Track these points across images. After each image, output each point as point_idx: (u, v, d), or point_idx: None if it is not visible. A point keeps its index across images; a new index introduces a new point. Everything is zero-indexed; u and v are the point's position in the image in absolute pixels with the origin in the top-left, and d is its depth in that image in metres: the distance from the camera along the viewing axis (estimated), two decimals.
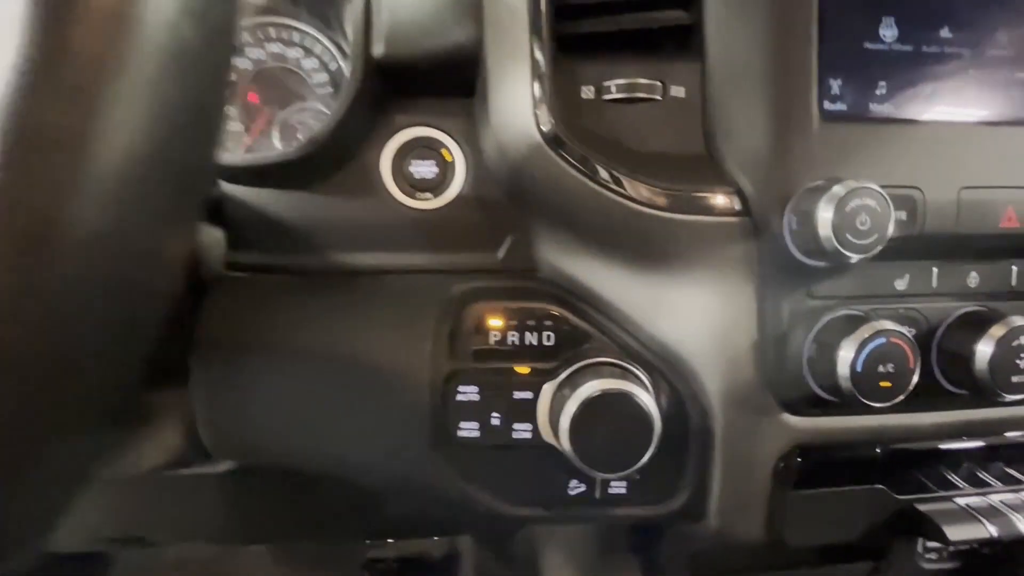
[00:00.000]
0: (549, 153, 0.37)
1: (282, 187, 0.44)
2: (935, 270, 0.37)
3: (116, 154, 0.18)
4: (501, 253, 0.45)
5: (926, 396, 0.37)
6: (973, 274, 0.38)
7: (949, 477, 0.40)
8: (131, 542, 0.61)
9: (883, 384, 0.33)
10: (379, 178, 0.45)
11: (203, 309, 0.42)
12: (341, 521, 0.64)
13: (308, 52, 0.53)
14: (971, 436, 0.40)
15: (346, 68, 0.48)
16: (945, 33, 0.37)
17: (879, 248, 0.31)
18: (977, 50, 0.37)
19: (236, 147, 0.53)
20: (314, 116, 0.53)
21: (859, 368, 0.33)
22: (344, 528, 0.65)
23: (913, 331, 0.37)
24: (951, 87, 0.37)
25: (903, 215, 0.35)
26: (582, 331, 0.41)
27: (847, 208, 0.31)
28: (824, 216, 0.31)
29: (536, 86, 0.37)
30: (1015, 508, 0.39)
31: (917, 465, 0.40)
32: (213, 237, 0.49)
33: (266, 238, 0.45)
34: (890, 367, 0.33)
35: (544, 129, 0.37)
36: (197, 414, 0.41)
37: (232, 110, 0.53)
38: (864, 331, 0.33)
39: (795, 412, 0.38)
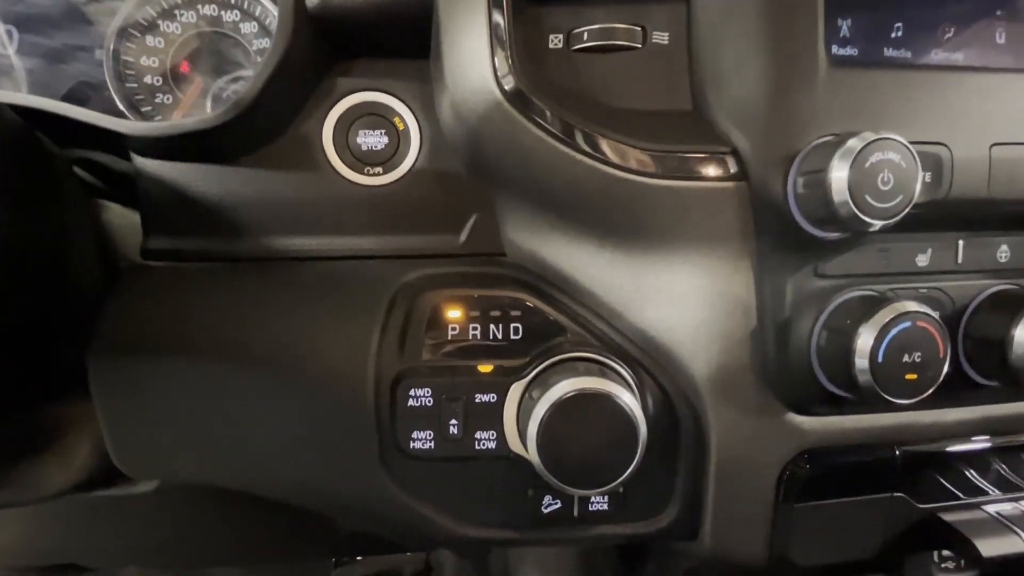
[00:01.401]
0: (511, 112, 0.31)
1: (204, 160, 0.38)
2: (961, 243, 0.32)
3: None
4: (463, 235, 0.40)
5: (951, 389, 0.32)
6: (1004, 247, 0.33)
7: (977, 482, 0.35)
8: (61, 570, 0.54)
9: (908, 377, 0.28)
10: (320, 150, 0.39)
11: (107, 303, 0.35)
12: (303, 539, 0.57)
13: (246, 14, 0.46)
14: (1003, 434, 0.35)
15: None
16: None
17: (905, 212, 0.26)
18: None
19: (167, 118, 0.47)
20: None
21: (880, 358, 0.27)
22: (307, 546, 0.59)
23: (937, 313, 0.32)
24: (979, 29, 0.32)
25: (927, 176, 0.29)
26: (555, 322, 0.35)
27: (866, 164, 0.26)
28: (838, 175, 0.26)
29: (495, 36, 0.31)
30: None
31: (941, 469, 0.35)
32: (127, 220, 0.43)
33: (186, 220, 0.38)
34: (917, 356, 0.28)
35: (505, 85, 0.31)
36: (102, 426, 0.35)
37: (160, 80, 0.46)
38: (885, 314, 0.28)
39: (802, 412, 0.33)
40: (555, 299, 0.36)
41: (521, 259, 0.38)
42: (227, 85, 0.48)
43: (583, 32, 0.33)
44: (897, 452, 0.34)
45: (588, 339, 0.35)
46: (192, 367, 0.35)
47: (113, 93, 0.43)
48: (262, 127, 0.37)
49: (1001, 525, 0.33)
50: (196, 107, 0.47)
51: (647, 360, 0.34)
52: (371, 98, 0.39)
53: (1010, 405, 0.34)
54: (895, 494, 0.34)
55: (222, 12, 0.46)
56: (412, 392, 0.33)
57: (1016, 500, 0.35)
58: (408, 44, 0.37)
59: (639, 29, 0.32)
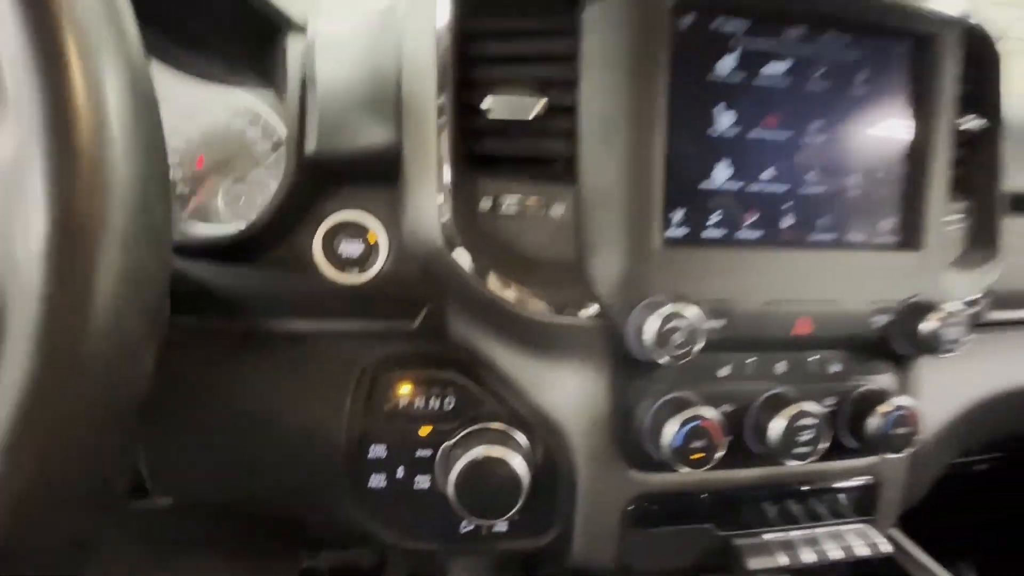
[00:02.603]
0: (449, 258, 0.45)
1: (220, 263, 0.50)
2: (749, 361, 0.48)
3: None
4: (417, 322, 0.53)
5: (740, 456, 0.48)
6: (781, 363, 0.49)
7: (762, 517, 0.51)
8: None
9: (695, 456, 0.43)
10: (310, 256, 0.51)
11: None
12: (278, 536, 0.71)
13: (253, 122, 0.59)
14: (771, 487, 0.51)
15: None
16: (767, 175, 0.47)
17: (691, 356, 0.41)
18: (791, 190, 0.47)
19: (181, 210, 0.59)
20: (258, 185, 0.59)
21: (677, 444, 0.43)
22: (281, 541, 0.72)
23: (732, 407, 0.47)
24: (770, 216, 0.47)
25: (722, 322, 0.44)
26: (478, 397, 0.49)
27: (667, 326, 0.40)
28: (650, 328, 0.41)
29: (441, 199, 0.44)
30: (806, 542, 0.50)
31: (735, 508, 0.51)
32: None
33: (206, 305, 0.51)
34: (702, 443, 0.43)
35: (446, 238, 0.44)
36: (143, 459, 0.48)
37: (179, 173, 0.58)
38: (682, 415, 0.43)
39: (639, 469, 0.48)
40: (482, 378, 0.50)
41: (461, 343, 0.52)
42: (235, 183, 0.60)
43: (504, 202, 0.46)
44: (703, 496, 0.50)
45: (502, 411, 0.49)
46: (214, 419, 0.48)
47: None
48: (268, 240, 0.50)
49: (767, 548, 0.49)
50: (208, 201, 0.59)
51: (541, 429, 0.49)
52: (352, 217, 0.52)
53: (776, 467, 0.50)
54: (703, 525, 0.50)
55: (232, 118, 0.58)
56: (372, 447, 0.47)
57: (786, 530, 0.52)
58: (380, 177, 0.49)
59: (544, 203, 0.46)
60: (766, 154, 0.46)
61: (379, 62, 0.48)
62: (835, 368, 0.50)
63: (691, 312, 0.41)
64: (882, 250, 0.49)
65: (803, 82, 0.46)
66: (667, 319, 0.40)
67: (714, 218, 0.46)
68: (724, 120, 0.45)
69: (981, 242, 0.58)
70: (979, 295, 0.55)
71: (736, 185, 0.46)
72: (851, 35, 0.47)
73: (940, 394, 0.61)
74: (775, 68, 0.46)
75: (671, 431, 0.43)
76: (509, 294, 0.44)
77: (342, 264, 0.53)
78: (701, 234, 0.46)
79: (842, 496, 0.54)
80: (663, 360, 0.41)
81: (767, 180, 0.47)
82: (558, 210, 0.46)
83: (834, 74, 0.47)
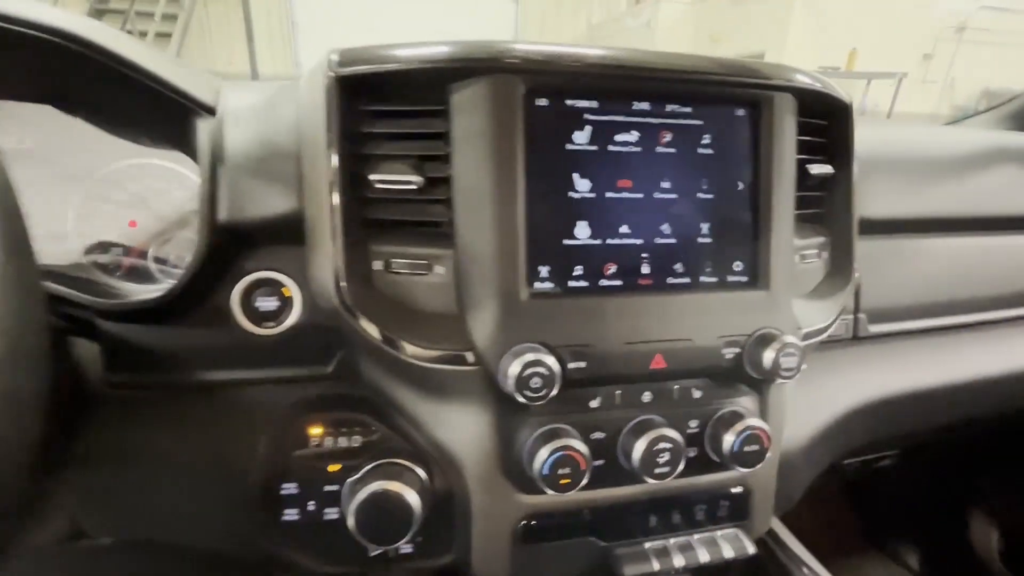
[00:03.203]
0: (345, 315, 0.51)
1: (146, 324, 0.56)
2: (618, 392, 0.54)
3: None
4: (331, 367, 0.59)
5: (612, 476, 0.54)
6: (647, 393, 0.55)
7: (641, 527, 0.58)
8: None
9: (563, 481, 0.49)
10: (230, 312, 0.57)
11: (86, 421, 0.53)
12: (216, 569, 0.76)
13: (181, 185, 0.64)
14: (646, 502, 0.58)
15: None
16: (624, 230, 0.53)
17: (550, 398, 0.47)
18: (646, 242, 0.54)
19: (117, 269, 0.64)
20: (187, 244, 0.64)
21: (545, 471, 0.49)
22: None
23: (603, 434, 0.54)
24: (627, 269, 0.53)
25: (583, 364, 0.51)
26: (383, 435, 0.55)
27: (526, 372, 0.47)
28: (511, 374, 0.47)
29: (338, 263, 0.50)
30: (680, 548, 0.57)
31: (623, 521, 0.58)
32: (90, 352, 0.60)
33: (136, 361, 0.56)
34: (567, 470, 0.49)
35: (342, 299, 0.50)
36: (81, 503, 0.53)
37: (115, 235, 0.64)
38: (550, 446, 0.49)
39: (525, 492, 0.54)
40: (388, 416, 0.56)
41: (371, 384, 0.58)
42: (165, 243, 0.65)
43: (393, 262, 0.52)
44: (585, 513, 0.56)
45: (405, 446, 0.55)
46: (143, 463, 0.53)
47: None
48: (188, 302, 0.55)
49: (647, 554, 0.56)
50: (141, 260, 0.64)
51: (440, 461, 0.55)
52: (267, 275, 0.57)
53: (638, 486, 0.56)
54: (587, 538, 0.57)
55: (160, 183, 0.64)
56: (284, 485, 0.53)
57: (665, 538, 0.58)
58: (292, 240, 0.55)
59: (428, 264, 0.52)
60: (622, 212, 0.53)
61: (282, 136, 0.54)
62: (697, 395, 0.56)
63: (549, 359, 0.47)
64: (733, 290, 0.56)
65: (652, 147, 0.53)
66: (527, 366, 0.47)
67: (578, 271, 0.52)
68: (583, 184, 0.52)
69: (837, 272, 0.65)
70: (832, 320, 0.62)
71: (596, 240, 0.52)
72: (692, 105, 0.53)
73: (809, 407, 0.69)
74: (626, 136, 0.52)
75: (541, 459, 0.49)
76: (399, 347, 0.50)
77: (259, 318, 0.58)
78: (567, 285, 0.52)
79: (718, 504, 0.61)
80: (523, 401, 0.47)
81: (624, 235, 0.53)
82: (440, 270, 0.52)
83: (680, 138, 0.54)
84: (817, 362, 0.73)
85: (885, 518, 1.18)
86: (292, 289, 0.58)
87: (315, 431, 0.55)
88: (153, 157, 0.64)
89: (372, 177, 0.51)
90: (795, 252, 0.62)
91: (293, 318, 0.58)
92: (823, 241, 0.65)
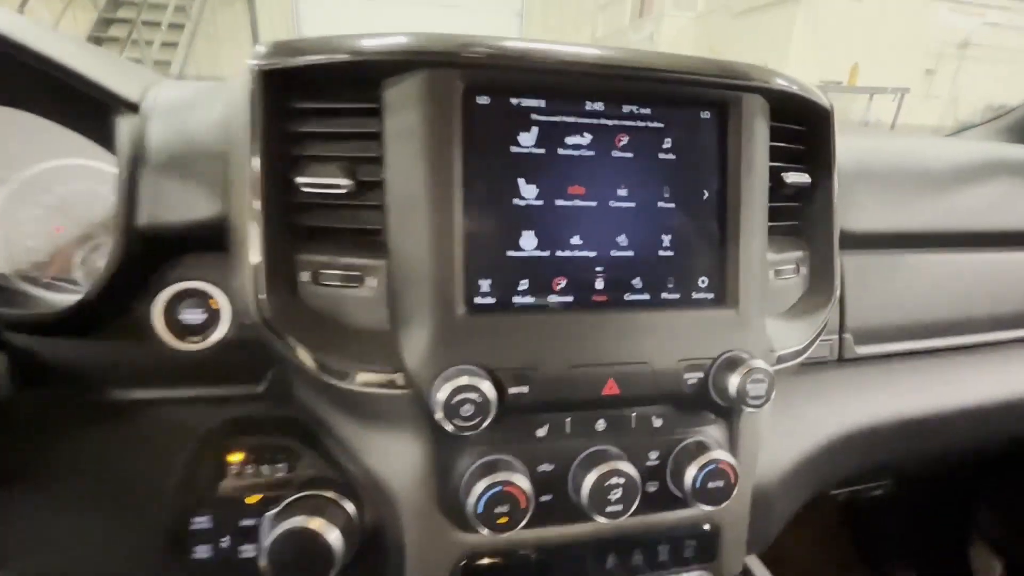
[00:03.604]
0: (265, 331, 0.46)
1: (58, 336, 0.51)
2: (568, 420, 0.49)
3: None
4: (262, 385, 0.54)
5: (563, 512, 0.49)
6: (600, 421, 0.50)
7: (605, 568, 0.53)
8: None
9: (500, 520, 0.44)
10: (151, 326, 0.52)
11: None
12: None
13: (111, 188, 0.60)
14: (601, 541, 0.52)
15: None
16: (576, 241, 0.48)
17: (483, 427, 0.42)
18: (600, 255, 0.49)
19: (42, 276, 0.59)
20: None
21: (480, 509, 0.44)
22: None
23: (552, 466, 0.49)
24: (578, 284, 0.49)
25: (526, 388, 0.46)
26: (311, 463, 0.50)
27: (456, 398, 0.42)
28: (440, 400, 0.42)
29: (259, 273, 0.46)
30: None
31: (578, 561, 0.52)
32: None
33: (44, 377, 0.51)
34: (505, 507, 0.44)
35: (262, 312, 0.46)
36: None
37: (39, 240, 0.59)
38: (487, 480, 0.44)
39: (465, 529, 0.49)
40: (319, 442, 0.51)
41: (303, 404, 0.53)
42: (92, 249, 0.61)
43: (322, 273, 0.48)
44: (532, 552, 0.51)
45: (336, 477, 0.50)
46: (48, 488, 0.48)
47: None
48: (105, 312, 0.51)
49: None
50: (63, 269, 0.60)
51: (373, 492, 0.50)
52: (193, 285, 0.53)
53: (587, 524, 0.50)
54: None
55: (88, 186, 0.59)
56: (196, 518, 0.48)
57: None
58: (221, 246, 0.51)
59: (358, 275, 0.48)
60: (573, 221, 0.48)
61: (208, 135, 0.50)
62: (657, 423, 0.51)
63: (484, 384, 0.42)
64: (697, 308, 0.51)
65: (608, 150, 0.49)
66: (457, 391, 0.42)
67: (523, 285, 0.48)
68: (529, 190, 0.47)
69: (817, 289, 0.60)
70: (810, 340, 0.57)
71: (544, 252, 0.48)
72: (651, 106, 0.49)
73: (788, 435, 0.63)
74: (578, 139, 0.48)
75: (476, 495, 0.44)
76: (323, 367, 0.45)
77: (183, 331, 0.54)
78: (511, 301, 0.47)
79: (683, 544, 0.55)
80: (451, 430, 0.42)
81: (576, 246, 0.48)
82: (372, 282, 0.47)
83: (638, 142, 0.49)
84: (798, 386, 0.67)
85: (884, 550, 1.11)
86: (220, 300, 0.53)
87: (235, 457, 0.50)
88: (80, 158, 0.60)
89: (299, 180, 0.46)
90: (769, 267, 0.57)
91: (220, 332, 0.53)
92: (801, 255, 0.60)
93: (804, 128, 0.58)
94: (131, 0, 6.32)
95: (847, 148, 0.69)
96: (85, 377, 0.52)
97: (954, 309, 0.74)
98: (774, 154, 0.55)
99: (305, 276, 0.48)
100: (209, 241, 0.51)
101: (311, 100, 0.47)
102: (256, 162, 0.44)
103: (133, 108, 0.51)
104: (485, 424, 0.42)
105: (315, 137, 0.47)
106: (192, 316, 0.54)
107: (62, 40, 0.50)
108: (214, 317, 0.54)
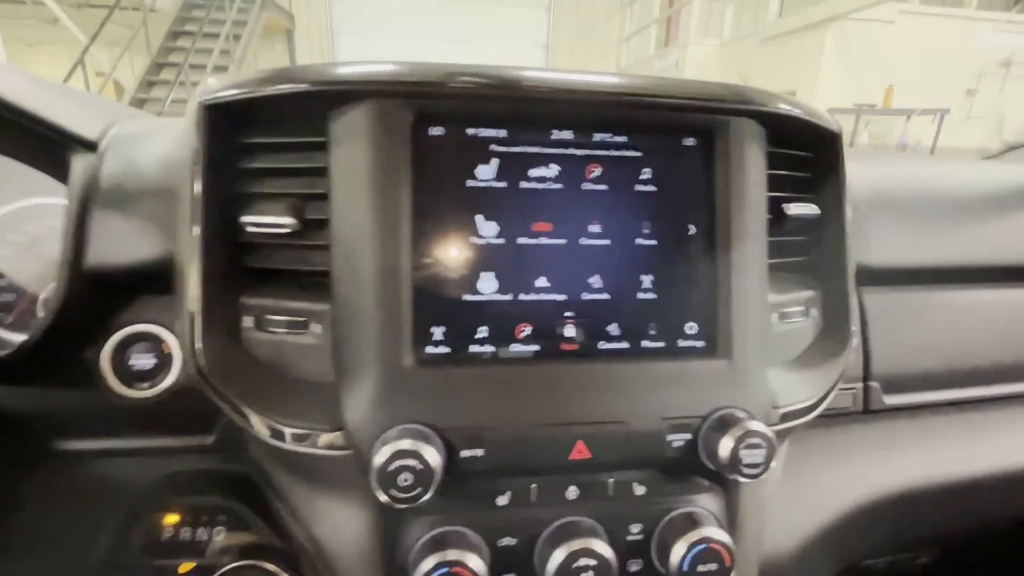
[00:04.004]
0: (200, 380, 0.42)
1: (5, 383, 0.49)
2: (534, 486, 0.43)
3: None
4: (213, 438, 0.50)
5: None
6: (572, 488, 0.44)
7: None
8: None
9: None
10: (98, 372, 0.50)
11: None
12: None
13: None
14: None
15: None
16: (541, 283, 0.43)
17: (425, 499, 0.37)
18: (571, 298, 0.44)
19: (5, 317, 0.58)
20: None
21: None
22: None
23: (515, 540, 0.42)
24: (545, 331, 0.43)
25: (480, 451, 0.40)
26: (255, 528, 0.46)
27: (391, 467, 0.36)
28: (377, 463, 0.37)
29: (195, 318, 0.42)
30: None
31: None
32: None
33: None
34: None
35: (199, 363, 0.42)
36: None
37: (9, 279, 0.58)
38: (433, 559, 0.38)
39: None
40: (268, 503, 0.47)
41: (254, 460, 0.49)
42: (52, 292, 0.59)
43: (266, 318, 0.44)
44: None
45: (279, 544, 0.45)
46: None
47: None
48: (49, 357, 0.48)
49: None
50: (28, 312, 0.59)
51: (316, 560, 0.45)
52: (144, 329, 0.50)
53: None
54: None
55: (55, 223, 0.58)
56: None
57: None
58: (170, 287, 0.48)
59: (304, 321, 0.44)
60: (539, 261, 0.43)
61: (158, 172, 0.48)
62: (640, 491, 0.44)
63: (428, 450, 0.37)
64: (684, 359, 0.45)
65: (577, 183, 0.44)
66: (394, 456, 0.37)
67: (482, 333, 0.43)
68: (488, 228, 0.43)
69: (830, 333, 0.53)
70: (824, 393, 0.49)
71: (506, 296, 0.43)
72: (626, 134, 0.44)
73: (804, 503, 0.55)
74: (543, 171, 0.43)
75: (424, 568, 0.38)
76: (256, 422, 0.41)
77: (132, 378, 0.51)
78: (468, 351, 0.42)
79: None
80: (386, 501, 0.37)
81: (542, 289, 0.43)
82: (317, 328, 0.43)
83: (613, 173, 0.44)
84: (816, 443, 0.59)
85: None
86: (172, 345, 0.50)
87: (172, 519, 0.45)
88: (54, 196, 0.59)
89: (244, 219, 0.43)
90: (772, 310, 0.50)
91: (171, 378, 0.50)
92: (811, 296, 0.53)
93: (810, 154, 0.53)
94: (181, 47, 6.76)
95: (865, 173, 0.62)
96: (26, 426, 0.49)
97: (998, 353, 0.65)
98: (775, 183, 0.49)
99: (248, 321, 0.45)
100: (161, 283, 0.48)
101: (260, 135, 0.44)
102: (196, 197, 0.42)
103: (89, 146, 0.49)
104: (426, 496, 0.37)
105: (264, 174, 0.44)
106: (142, 361, 0.51)
107: (21, 78, 0.49)
108: (165, 362, 0.51)
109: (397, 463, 0.36)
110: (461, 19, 9.18)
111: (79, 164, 0.48)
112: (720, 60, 7.52)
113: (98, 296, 0.49)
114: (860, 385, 0.62)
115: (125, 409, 0.50)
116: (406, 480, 0.36)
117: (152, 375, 0.51)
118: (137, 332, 0.51)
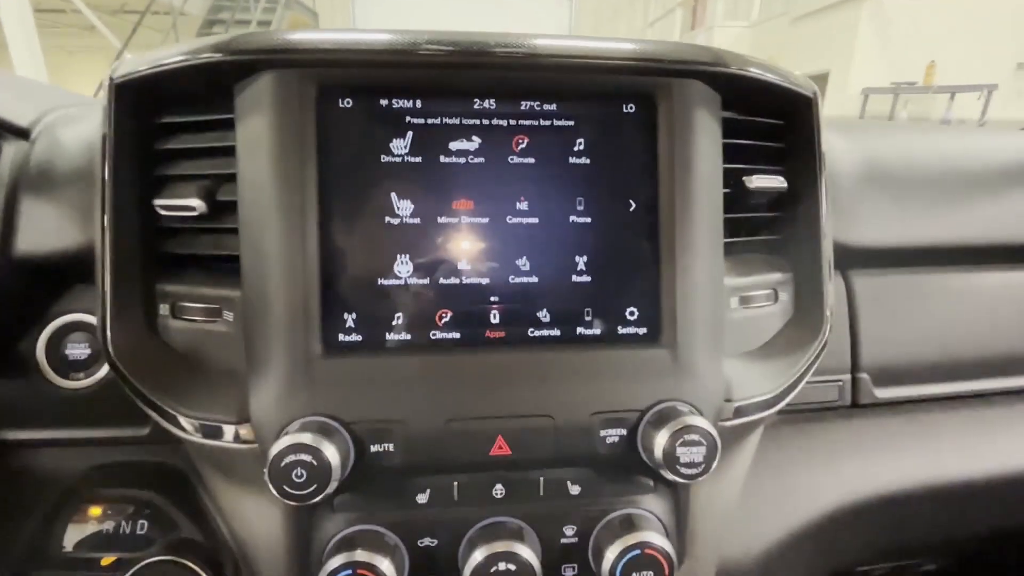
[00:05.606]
0: (116, 377, 0.41)
1: None
2: (456, 484, 0.40)
3: None
4: (147, 429, 0.49)
5: None
6: (499, 486, 0.40)
7: None
8: None
9: None
10: (35, 362, 0.49)
11: None
12: None
13: None
14: None
15: None
16: (464, 265, 0.40)
17: (318, 499, 0.34)
18: (496, 281, 0.40)
19: None
20: None
21: None
22: None
23: (434, 542, 0.40)
24: (468, 317, 0.40)
25: (390, 446, 0.38)
26: (176, 521, 0.44)
27: (283, 463, 0.34)
28: (269, 457, 0.34)
29: (105, 306, 0.41)
30: None
31: None
32: None
33: None
34: None
35: (106, 349, 0.41)
36: None
37: None
38: (337, 560, 0.36)
39: None
40: (195, 497, 0.45)
41: (188, 452, 0.47)
42: None
43: (180, 306, 0.42)
44: None
45: (199, 538, 0.44)
46: None
47: None
48: None
49: None
50: None
51: (237, 557, 0.43)
52: (79, 318, 0.49)
53: None
54: None
55: None
56: None
57: None
58: None
59: (217, 308, 0.42)
60: (460, 242, 0.40)
61: (79, 157, 0.46)
62: (575, 489, 0.41)
63: (325, 446, 0.34)
64: (623, 347, 0.41)
65: (503, 157, 0.40)
66: (287, 451, 0.34)
67: (398, 320, 0.40)
68: (404, 206, 0.39)
69: (801, 320, 0.48)
70: (787, 385, 0.44)
71: (423, 280, 0.40)
72: (556, 101, 0.40)
73: (776, 504, 0.50)
74: (464, 144, 0.40)
75: (330, 566, 0.36)
76: (163, 414, 0.40)
77: (67, 368, 0.50)
78: (383, 338, 0.39)
79: None
80: (279, 498, 0.34)
81: (464, 272, 0.40)
82: (229, 316, 0.41)
83: (542, 145, 0.40)
84: (795, 439, 0.54)
85: None
86: None
87: (96, 511, 0.44)
88: None
89: (156, 202, 0.41)
90: (732, 293, 0.45)
91: (106, 368, 0.49)
92: (780, 278, 0.48)
93: (781, 122, 0.47)
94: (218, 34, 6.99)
95: (853, 145, 0.56)
96: None
97: (1002, 342, 0.58)
98: (739, 154, 0.45)
99: (164, 309, 0.43)
100: (90, 272, 0.47)
101: (172, 115, 0.42)
102: (105, 180, 0.40)
103: (21, 133, 0.48)
104: (323, 495, 0.34)
105: (178, 155, 0.42)
106: (78, 351, 0.50)
107: None
108: (99, 353, 0.50)
109: (290, 458, 0.34)
110: (483, 16, 9.14)
111: (9, 151, 0.47)
112: (749, 42, 7.24)
113: (31, 285, 0.48)
114: (847, 377, 0.57)
115: (61, 399, 0.49)
116: (300, 476, 0.34)
117: (87, 365, 0.50)
118: (72, 321, 0.50)
